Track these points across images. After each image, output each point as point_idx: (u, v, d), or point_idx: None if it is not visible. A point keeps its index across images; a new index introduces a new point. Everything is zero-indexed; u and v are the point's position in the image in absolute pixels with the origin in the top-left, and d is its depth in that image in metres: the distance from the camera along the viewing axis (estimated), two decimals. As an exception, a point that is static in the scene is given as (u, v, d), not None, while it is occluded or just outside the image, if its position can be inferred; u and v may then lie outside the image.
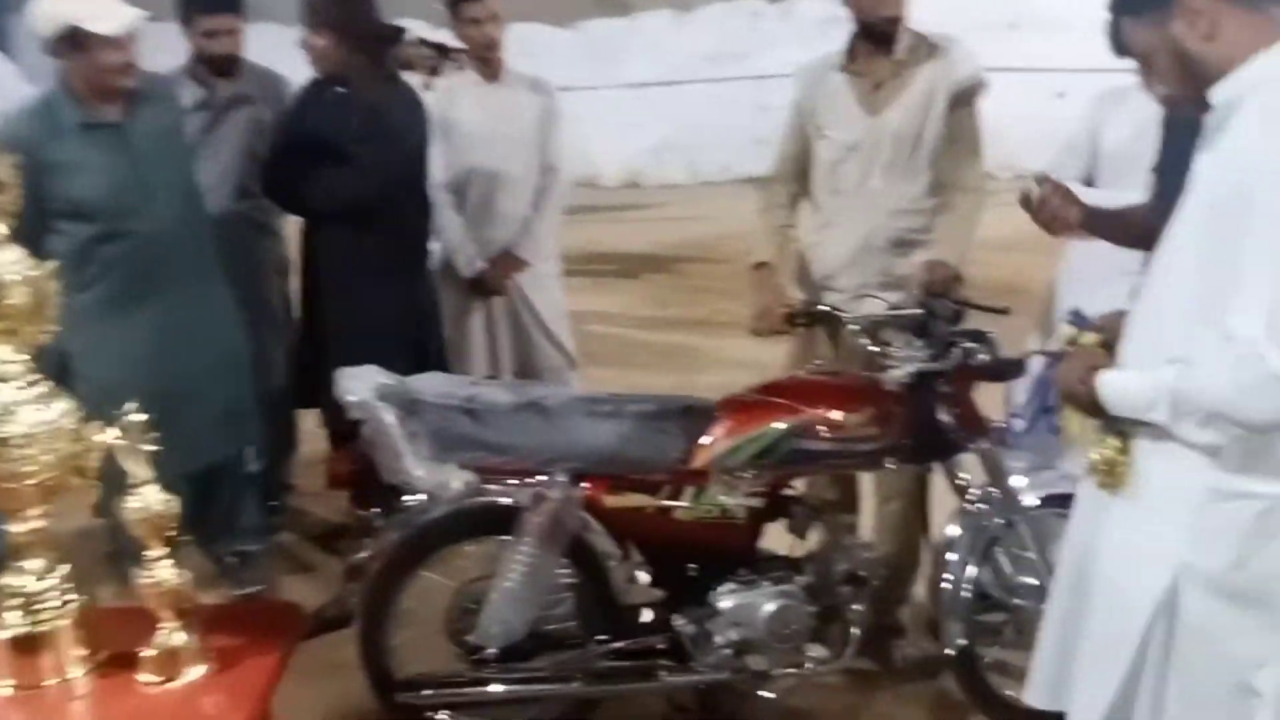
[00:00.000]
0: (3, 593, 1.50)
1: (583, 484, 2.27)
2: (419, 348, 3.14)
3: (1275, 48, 1.45)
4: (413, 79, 3.45)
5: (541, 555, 2.20)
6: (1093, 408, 1.61)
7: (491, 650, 2.27)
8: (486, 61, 3.48)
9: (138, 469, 1.50)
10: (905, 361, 2.38)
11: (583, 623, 2.35)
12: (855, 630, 2.38)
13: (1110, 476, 1.63)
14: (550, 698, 2.38)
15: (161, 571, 1.51)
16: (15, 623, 1.49)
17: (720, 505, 2.29)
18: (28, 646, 1.49)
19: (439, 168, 3.41)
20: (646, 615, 2.38)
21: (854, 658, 2.42)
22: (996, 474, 2.42)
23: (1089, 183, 2.84)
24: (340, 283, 3.14)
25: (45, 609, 1.50)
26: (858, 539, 2.61)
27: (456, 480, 2.21)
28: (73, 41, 2.60)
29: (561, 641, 2.35)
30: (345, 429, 2.38)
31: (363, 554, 2.31)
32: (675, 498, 2.30)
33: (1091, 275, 2.58)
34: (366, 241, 3.05)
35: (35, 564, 1.52)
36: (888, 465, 2.37)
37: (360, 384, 2.26)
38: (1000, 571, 2.47)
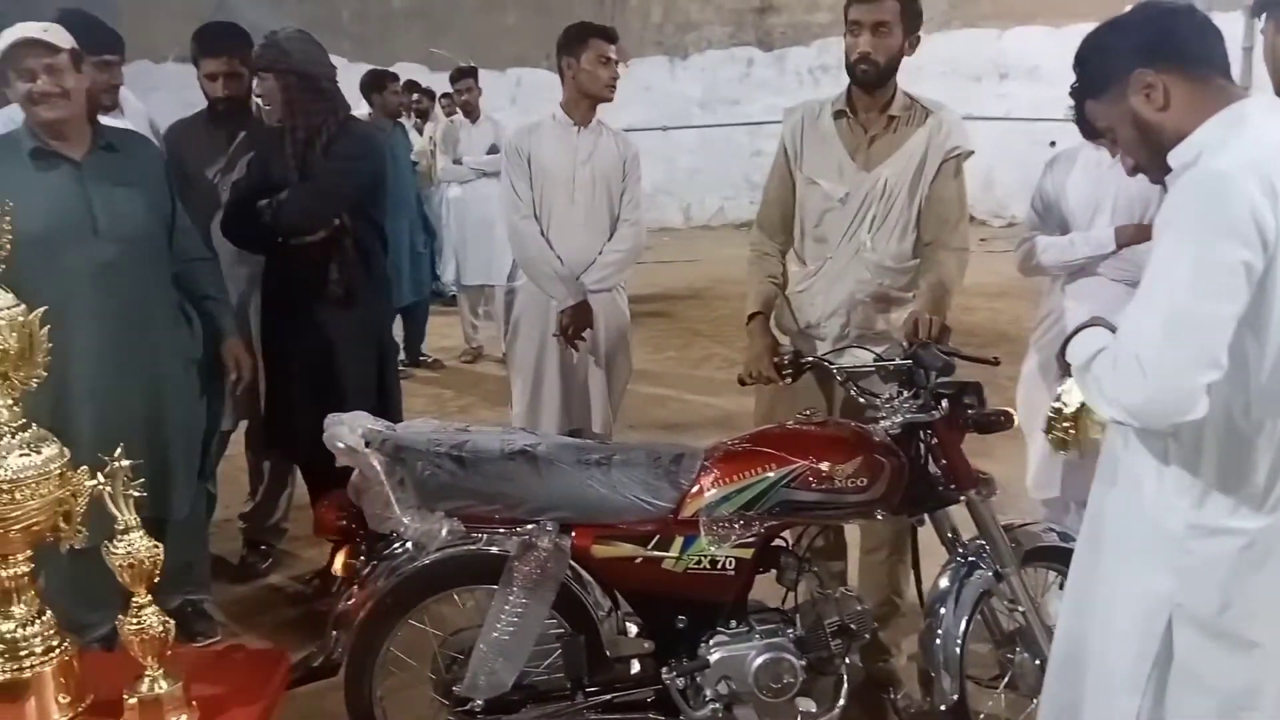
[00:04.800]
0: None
1: (571, 533, 2.27)
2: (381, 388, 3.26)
3: (1221, 114, 1.56)
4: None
5: (529, 605, 2.18)
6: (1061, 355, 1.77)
7: (478, 702, 2.25)
8: (594, 102, 3.50)
9: (124, 514, 1.50)
10: (894, 412, 2.39)
11: (570, 674, 2.32)
12: (846, 683, 2.36)
13: (1059, 430, 1.89)
14: (537, 750, 2.34)
15: (146, 618, 1.50)
16: (-1, 669, 1.48)
17: (709, 555, 2.28)
18: (11, 693, 1.48)
19: (526, 200, 3.45)
20: (635, 667, 2.36)
21: (845, 711, 2.38)
22: (985, 526, 2.42)
23: (1064, 231, 3.02)
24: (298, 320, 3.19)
25: (29, 655, 1.49)
26: (848, 590, 2.59)
27: (444, 528, 2.21)
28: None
29: (549, 694, 2.32)
30: (323, 475, 2.36)
31: (349, 602, 2.28)
32: (664, 548, 2.28)
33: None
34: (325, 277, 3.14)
35: (20, 610, 1.51)
36: (878, 516, 2.36)
37: (348, 431, 2.26)
38: (992, 624, 2.46)
